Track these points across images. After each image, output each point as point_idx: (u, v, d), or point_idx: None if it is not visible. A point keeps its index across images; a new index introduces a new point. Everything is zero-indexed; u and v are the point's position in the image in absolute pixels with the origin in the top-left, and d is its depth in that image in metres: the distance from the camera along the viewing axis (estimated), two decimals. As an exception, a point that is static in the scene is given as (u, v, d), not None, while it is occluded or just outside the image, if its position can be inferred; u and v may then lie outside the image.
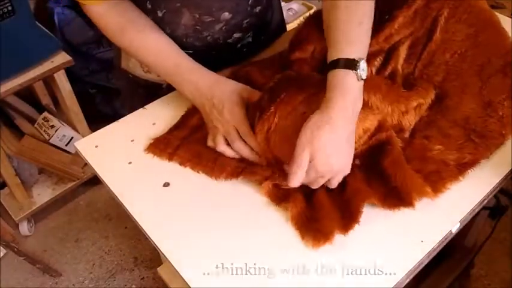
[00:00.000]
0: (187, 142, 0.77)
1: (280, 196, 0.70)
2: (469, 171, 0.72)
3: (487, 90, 0.80)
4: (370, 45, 0.80)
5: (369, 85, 0.73)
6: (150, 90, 0.93)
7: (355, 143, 0.71)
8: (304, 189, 0.69)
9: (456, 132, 0.76)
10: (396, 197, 0.67)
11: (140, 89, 0.96)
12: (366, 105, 0.72)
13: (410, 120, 0.76)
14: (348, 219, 0.65)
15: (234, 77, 0.85)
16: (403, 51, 0.82)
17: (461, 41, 0.84)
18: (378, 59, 0.82)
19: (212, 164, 0.74)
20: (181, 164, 0.76)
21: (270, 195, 0.70)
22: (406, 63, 0.83)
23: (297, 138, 0.66)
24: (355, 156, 0.72)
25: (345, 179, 0.70)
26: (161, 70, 0.81)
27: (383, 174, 0.69)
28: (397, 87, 0.78)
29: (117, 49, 0.96)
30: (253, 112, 0.74)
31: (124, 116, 0.86)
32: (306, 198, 0.69)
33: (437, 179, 0.70)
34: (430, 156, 0.72)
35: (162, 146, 0.77)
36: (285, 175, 0.70)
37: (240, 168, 0.73)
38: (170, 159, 0.76)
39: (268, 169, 0.73)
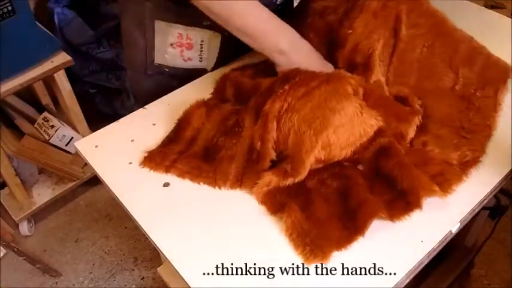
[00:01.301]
0: (184, 156, 0.76)
1: (277, 204, 0.69)
2: (471, 169, 0.72)
3: (459, 85, 0.81)
4: (338, 61, 0.81)
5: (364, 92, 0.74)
6: (187, 80, 0.92)
7: (356, 142, 0.71)
8: (301, 198, 0.68)
9: (447, 133, 0.77)
10: (403, 200, 0.67)
11: (175, 81, 0.93)
12: (367, 107, 0.73)
13: (408, 130, 0.75)
14: (350, 230, 0.64)
15: (224, 80, 0.86)
16: (376, 60, 0.82)
17: (426, 33, 0.84)
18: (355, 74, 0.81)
19: (213, 174, 0.73)
20: (179, 176, 0.74)
21: (266, 204, 0.69)
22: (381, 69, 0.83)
23: (310, 121, 0.67)
24: (358, 162, 0.72)
25: (346, 187, 0.69)
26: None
27: (388, 179, 0.69)
28: (388, 97, 0.79)
29: (151, 46, 0.92)
30: (264, 97, 0.73)
31: (124, 116, 0.86)
32: (302, 208, 0.67)
33: (442, 180, 0.70)
34: (432, 157, 0.73)
35: (158, 160, 0.76)
36: (287, 170, 0.70)
37: (240, 175, 0.72)
38: (167, 171, 0.75)
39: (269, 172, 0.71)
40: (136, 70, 0.99)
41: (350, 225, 0.65)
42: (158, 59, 0.93)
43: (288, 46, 0.78)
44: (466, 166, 0.72)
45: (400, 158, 0.70)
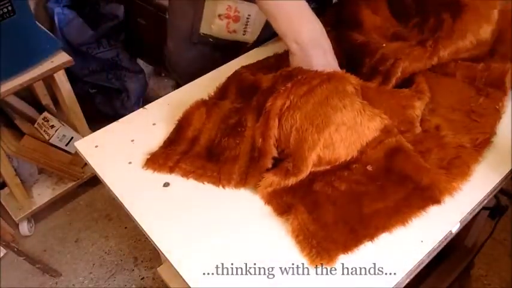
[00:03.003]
0: (188, 156, 0.76)
1: (283, 206, 0.68)
2: (484, 150, 0.75)
3: (460, 72, 0.84)
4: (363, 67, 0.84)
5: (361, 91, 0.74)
6: (229, 52, 0.96)
7: (361, 141, 0.71)
8: (307, 200, 0.68)
9: (458, 117, 0.79)
10: (418, 197, 0.68)
11: (217, 52, 0.98)
12: (370, 106, 0.73)
13: (415, 112, 0.77)
14: (358, 234, 0.64)
15: (229, 79, 0.86)
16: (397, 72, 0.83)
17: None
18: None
19: (217, 174, 0.73)
20: (183, 175, 0.74)
21: (272, 205, 0.69)
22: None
23: (312, 118, 0.68)
24: (366, 162, 0.72)
25: (356, 192, 0.69)
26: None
27: (400, 177, 0.69)
28: (386, 88, 0.80)
29: (199, 15, 0.96)
30: (266, 96, 0.73)
31: (124, 116, 0.86)
32: (309, 211, 0.67)
33: (460, 163, 0.71)
34: (447, 142, 0.74)
35: (161, 161, 0.75)
36: (288, 169, 0.70)
37: (244, 174, 0.72)
38: (171, 172, 0.75)
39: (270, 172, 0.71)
40: (180, 39, 1.03)
41: (358, 230, 0.64)
42: (204, 29, 0.97)
43: (307, 39, 0.78)
44: (479, 148, 0.75)
45: (415, 161, 0.70)
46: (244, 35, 0.96)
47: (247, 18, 0.94)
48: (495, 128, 0.79)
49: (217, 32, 0.97)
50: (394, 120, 0.75)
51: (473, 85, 0.84)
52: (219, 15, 0.94)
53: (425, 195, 0.68)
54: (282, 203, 0.69)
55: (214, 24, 0.95)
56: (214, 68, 0.92)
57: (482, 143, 0.75)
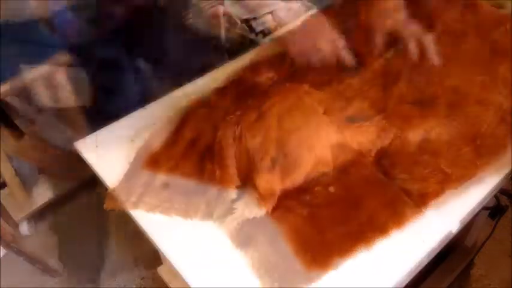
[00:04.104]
0: (187, 156, 0.75)
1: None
2: (432, 202, 0.68)
3: (458, 121, 0.77)
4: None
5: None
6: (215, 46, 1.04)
7: (322, 160, 0.70)
8: (303, 201, 0.68)
9: (425, 161, 0.71)
10: (383, 218, 0.67)
11: (207, 43, 1.05)
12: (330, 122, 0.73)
13: (367, 139, 0.73)
14: (357, 240, 0.64)
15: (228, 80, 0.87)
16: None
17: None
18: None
19: (218, 175, 0.72)
20: (183, 175, 0.74)
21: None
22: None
23: (267, 142, 0.67)
24: (328, 183, 0.70)
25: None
26: None
27: (363, 199, 0.68)
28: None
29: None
30: (255, 101, 0.74)
31: (124, 116, 0.86)
32: (305, 212, 0.66)
33: (393, 211, 0.67)
34: (392, 185, 0.69)
35: (161, 162, 0.75)
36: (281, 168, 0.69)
37: (243, 174, 0.71)
38: (171, 172, 0.74)
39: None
40: (169, 25, 1.11)
41: (357, 235, 0.64)
42: (192, 20, 1.07)
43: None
44: (425, 197, 0.68)
45: (374, 176, 0.69)
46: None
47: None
48: (459, 183, 0.70)
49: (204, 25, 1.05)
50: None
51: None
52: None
53: (388, 213, 0.66)
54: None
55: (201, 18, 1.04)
56: (202, 61, 0.96)
57: (432, 193, 0.68)
